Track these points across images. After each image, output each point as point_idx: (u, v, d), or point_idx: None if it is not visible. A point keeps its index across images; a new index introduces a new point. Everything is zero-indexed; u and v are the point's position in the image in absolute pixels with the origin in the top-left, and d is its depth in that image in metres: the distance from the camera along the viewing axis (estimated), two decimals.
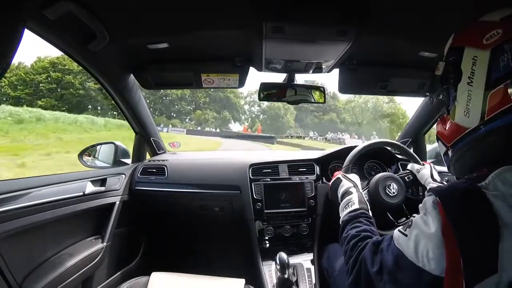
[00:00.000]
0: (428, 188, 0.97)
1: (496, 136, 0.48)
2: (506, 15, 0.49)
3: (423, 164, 1.07)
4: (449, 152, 0.56)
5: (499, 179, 0.43)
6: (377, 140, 1.21)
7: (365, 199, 0.82)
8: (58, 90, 25.96)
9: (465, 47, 0.53)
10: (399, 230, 0.52)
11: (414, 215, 0.52)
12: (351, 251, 0.62)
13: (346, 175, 0.95)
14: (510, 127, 0.46)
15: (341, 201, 0.85)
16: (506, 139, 0.47)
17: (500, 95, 0.46)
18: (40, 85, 25.31)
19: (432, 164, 1.06)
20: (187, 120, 35.55)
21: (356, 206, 0.77)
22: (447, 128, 0.56)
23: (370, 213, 0.77)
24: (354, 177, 0.95)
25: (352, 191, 0.84)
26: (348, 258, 0.62)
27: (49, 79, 25.60)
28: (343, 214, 0.78)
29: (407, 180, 1.07)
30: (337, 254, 1.07)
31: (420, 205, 0.51)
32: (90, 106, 27.48)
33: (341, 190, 0.89)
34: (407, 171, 1.11)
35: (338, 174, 0.97)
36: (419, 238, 0.47)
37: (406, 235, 0.50)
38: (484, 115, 0.48)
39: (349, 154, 1.12)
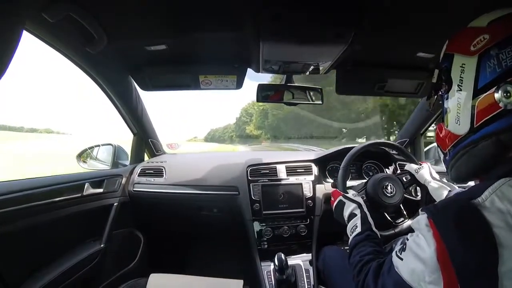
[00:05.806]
0: (428, 186, 0.98)
1: (485, 143, 0.47)
2: (493, 19, 0.48)
3: (421, 164, 1.07)
4: (447, 158, 0.57)
5: (496, 195, 0.41)
6: (374, 141, 1.21)
7: (369, 218, 0.80)
8: None
9: (454, 54, 0.53)
10: (396, 254, 0.51)
11: (407, 236, 0.51)
12: (358, 276, 0.62)
13: (348, 195, 0.93)
14: (498, 134, 0.45)
15: (348, 223, 0.84)
16: (495, 146, 0.46)
17: (487, 101, 0.46)
18: None
19: (429, 164, 1.07)
20: None
21: (359, 229, 0.76)
22: (441, 135, 0.57)
23: (376, 231, 0.76)
24: (356, 196, 0.93)
25: (357, 213, 0.83)
26: (356, 283, 0.62)
27: None
28: (350, 238, 0.78)
29: (405, 180, 1.08)
30: (332, 256, 1.07)
31: (413, 222, 0.50)
32: None
33: (346, 214, 0.87)
34: (405, 171, 1.12)
35: (340, 196, 0.94)
36: (414, 262, 0.45)
37: (402, 259, 0.49)
38: (474, 122, 0.48)
39: (344, 159, 1.12)
